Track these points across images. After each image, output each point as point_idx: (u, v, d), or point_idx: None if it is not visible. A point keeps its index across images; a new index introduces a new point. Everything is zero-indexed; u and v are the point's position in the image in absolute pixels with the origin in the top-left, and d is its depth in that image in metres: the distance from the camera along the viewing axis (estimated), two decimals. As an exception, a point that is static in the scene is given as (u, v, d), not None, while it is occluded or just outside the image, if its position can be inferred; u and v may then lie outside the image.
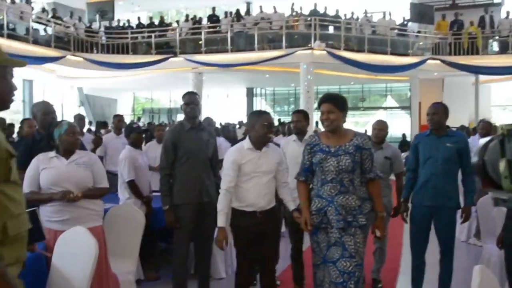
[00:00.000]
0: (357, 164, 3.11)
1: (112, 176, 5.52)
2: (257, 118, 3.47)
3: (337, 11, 17.63)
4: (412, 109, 18.94)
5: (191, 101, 3.99)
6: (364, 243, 3.15)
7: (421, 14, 16.93)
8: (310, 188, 3.29)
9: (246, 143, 3.48)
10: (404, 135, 18.09)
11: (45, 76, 17.64)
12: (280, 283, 4.64)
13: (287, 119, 18.10)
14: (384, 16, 17.55)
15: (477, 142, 6.59)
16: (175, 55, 16.53)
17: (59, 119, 3.84)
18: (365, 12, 17.78)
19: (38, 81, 18.61)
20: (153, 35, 17.30)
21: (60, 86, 20.42)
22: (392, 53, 16.19)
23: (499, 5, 18.96)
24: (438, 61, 16.25)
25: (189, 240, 4.00)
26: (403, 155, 7.27)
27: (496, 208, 4.15)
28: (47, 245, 3.02)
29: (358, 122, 22.91)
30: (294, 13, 17.64)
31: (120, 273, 3.53)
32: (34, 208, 2.01)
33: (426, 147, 3.94)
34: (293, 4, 17.99)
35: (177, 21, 19.43)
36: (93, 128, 13.62)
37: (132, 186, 4.64)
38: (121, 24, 19.40)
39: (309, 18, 16.19)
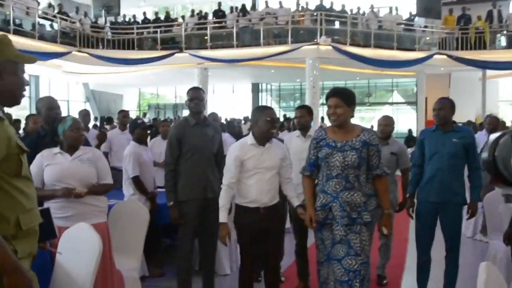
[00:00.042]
0: (363, 160, 3.07)
1: (117, 172, 5.52)
2: (260, 113, 3.44)
3: (343, 6, 17.54)
4: (418, 104, 18.84)
5: (195, 96, 3.97)
6: (370, 241, 3.12)
7: (428, 8, 16.79)
8: (315, 183, 3.26)
9: (249, 138, 3.47)
10: (410, 131, 17.99)
11: (51, 72, 17.70)
12: (285, 279, 4.63)
13: (292, 114, 18.03)
14: (390, 11, 17.44)
15: (484, 137, 6.56)
16: (180, 50, 16.52)
17: (65, 114, 3.83)
18: (372, 7, 17.67)
19: (44, 77, 18.66)
20: (158, 30, 17.29)
21: (66, 82, 20.47)
22: (399, 48, 16.09)
23: (507, -1, 18.80)
24: (445, 56, 16.13)
25: (194, 236, 3.99)
26: (409, 150, 7.22)
27: (503, 204, 4.13)
28: (52, 242, 3.02)
29: (364, 118, 22.82)
30: (300, 8, 17.56)
31: (125, 269, 3.52)
32: (47, 207, 2.03)
33: (432, 142, 3.90)
34: (298, -1, 17.94)
35: (183, 17, 19.41)
36: (98, 124, 13.66)
37: (137, 182, 4.64)
38: (126, 19, 19.41)
39: (315, 13, 16.12)
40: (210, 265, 4.10)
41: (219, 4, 18.56)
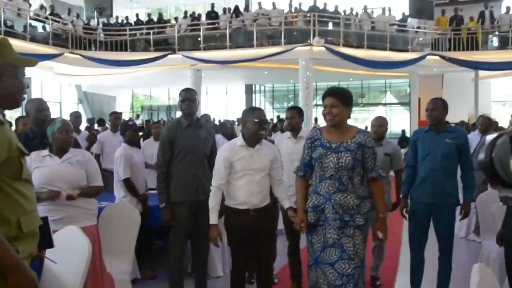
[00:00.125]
0: (357, 162, 3.03)
1: (109, 174, 5.49)
2: (249, 114, 3.42)
3: (336, 7, 17.57)
4: (411, 105, 18.92)
5: (187, 97, 3.94)
6: (364, 244, 3.08)
7: (420, 9, 16.86)
8: (309, 184, 3.22)
9: (239, 140, 3.44)
10: (403, 131, 18.04)
11: (43, 74, 17.59)
12: (278, 281, 4.60)
13: (286, 115, 18.03)
14: (383, 12, 17.48)
15: (477, 137, 6.57)
16: (173, 52, 16.49)
17: (58, 116, 3.78)
18: (365, 8, 17.71)
19: (36, 79, 18.54)
20: (151, 32, 17.24)
21: (59, 84, 20.36)
22: (392, 49, 16.15)
23: (499, 0, 18.88)
24: (438, 57, 16.20)
25: (186, 238, 3.96)
26: (403, 151, 7.22)
27: (496, 205, 4.12)
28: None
29: (357, 119, 22.84)
30: (293, 9, 17.57)
31: (115, 272, 3.49)
32: (45, 216, 2.03)
33: (425, 143, 3.89)
34: (291, 0, 17.92)
35: (176, 18, 19.37)
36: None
37: (128, 184, 4.60)
38: (119, 21, 19.35)
39: (308, 14, 16.15)
40: (202, 267, 4.07)
41: (212, 5, 18.55)
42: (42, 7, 17.68)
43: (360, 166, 3.06)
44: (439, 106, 3.85)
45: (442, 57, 16.14)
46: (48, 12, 17.09)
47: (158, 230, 4.88)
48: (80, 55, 16.50)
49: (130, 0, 21.78)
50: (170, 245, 4.02)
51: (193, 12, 18.84)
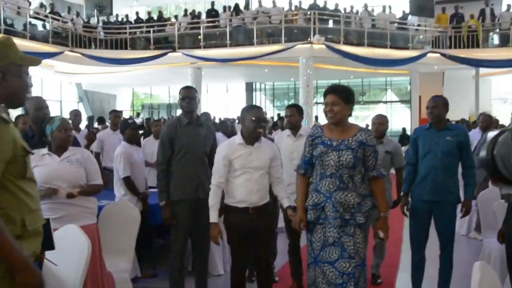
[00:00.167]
0: (358, 160, 3.00)
1: (109, 173, 5.48)
2: (247, 112, 3.41)
3: (336, 4, 17.53)
4: (412, 102, 18.87)
5: (187, 95, 3.93)
6: (365, 242, 3.05)
7: (421, 7, 16.82)
8: (309, 182, 3.19)
9: (238, 138, 3.44)
10: (404, 129, 18.02)
11: (43, 72, 17.57)
12: (279, 279, 4.60)
13: (287, 113, 18.01)
14: (384, 10, 17.45)
15: (478, 135, 6.56)
16: (174, 50, 16.46)
17: (58, 115, 3.77)
18: (365, 6, 17.68)
19: (37, 77, 18.53)
20: (151, 30, 17.21)
21: (59, 82, 20.34)
22: (392, 47, 16.11)
23: (499, -3, 18.87)
24: (438, 55, 16.17)
25: (186, 236, 3.95)
26: (403, 149, 7.22)
27: (497, 202, 4.11)
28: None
29: (358, 116, 22.81)
30: (293, 7, 17.54)
31: (116, 271, 3.48)
32: (47, 218, 2.04)
33: (426, 141, 3.88)
34: (292, -2, 17.91)
35: (176, 16, 19.33)
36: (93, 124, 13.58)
37: (128, 182, 4.59)
38: (119, 19, 19.32)
39: (308, 12, 16.10)
40: (203, 266, 4.07)
41: (212, 3, 18.51)
42: (42, 5, 17.65)
43: (361, 164, 3.04)
44: (439, 104, 3.84)
45: (443, 54, 16.11)
46: (48, 11, 17.06)
47: (159, 229, 4.88)
48: (80, 53, 16.47)
49: (130, -2, 21.77)
50: (171, 244, 4.02)
51: (193, 10, 18.80)
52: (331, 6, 17.40)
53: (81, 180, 3.22)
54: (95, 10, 17.95)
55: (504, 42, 16.31)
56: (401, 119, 20.48)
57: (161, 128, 5.63)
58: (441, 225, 3.84)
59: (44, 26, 16.05)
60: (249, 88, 23.93)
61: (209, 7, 18.50)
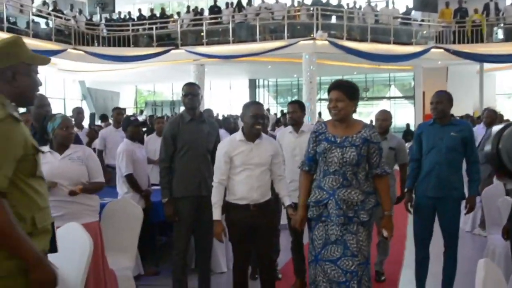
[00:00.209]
0: (362, 157, 2.95)
1: (112, 170, 5.48)
2: (246, 109, 3.39)
3: (339, 0, 17.46)
4: (416, 98, 18.82)
5: (190, 92, 3.91)
6: (368, 241, 3.01)
7: (424, 2, 16.75)
8: (313, 179, 3.14)
9: (238, 134, 3.41)
10: (408, 125, 17.96)
11: (46, 70, 17.59)
12: (282, 277, 4.59)
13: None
14: (387, 5, 17.39)
15: (482, 131, 6.52)
16: (176, 47, 16.45)
17: (59, 112, 3.76)
18: (368, 1, 17.60)
19: (40, 75, 18.51)
20: (154, 27, 17.21)
21: (62, 80, 20.37)
22: (395, 42, 16.06)
23: (504, -9, 18.74)
24: (442, 50, 16.11)
25: (189, 233, 3.94)
26: (407, 145, 7.18)
27: (501, 198, 4.09)
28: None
29: (361, 112, 22.76)
30: (296, 3, 17.48)
31: (118, 268, 3.47)
32: (52, 221, 2.05)
33: (430, 136, 3.84)
34: (294, -6, 17.85)
35: (178, 13, 19.31)
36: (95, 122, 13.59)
37: (130, 180, 4.58)
38: (122, 16, 19.30)
39: (311, 8, 16.06)
40: (206, 263, 4.06)
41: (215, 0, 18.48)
42: (44, 3, 17.66)
43: (365, 161, 2.99)
44: (444, 99, 3.80)
45: (447, 50, 16.04)
46: (50, 8, 17.07)
47: (161, 226, 4.87)
48: (83, 51, 16.49)
49: (132, -5, 21.76)
50: (173, 241, 4.01)
51: (196, 7, 18.79)
52: (334, 2, 17.34)
53: (83, 178, 3.21)
54: (98, 8, 17.96)
55: (508, 37, 16.22)
56: (405, 115, 20.42)
57: (164, 125, 5.62)
58: (445, 222, 3.81)
59: (47, 23, 16.08)
60: (252, 85, 23.92)
61: (212, 3, 18.45)
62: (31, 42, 14.22)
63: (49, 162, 3.15)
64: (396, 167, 4.57)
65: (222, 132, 6.29)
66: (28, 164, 1.83)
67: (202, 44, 16.43)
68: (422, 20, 17.14)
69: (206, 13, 18.24)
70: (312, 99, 15.58)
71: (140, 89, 26.82)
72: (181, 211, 3.83)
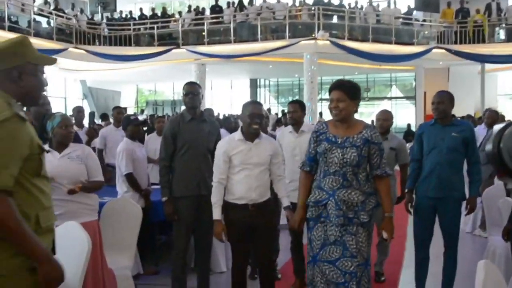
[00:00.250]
0: (363, 158, 2.92)
1: (113, 169, 5.47)
2: (244, 108, 3.39)
3: (340, 0, 17.44)
4: (417, 99, 18.79)
5: (190, 91, 3.91)
6: (368, 242, 2.97)
7: (426, 2, 16.72)
8: (313, 180, 3.11)
9: (238, 134, 3.40)
10: (409, 125, 17.94)
11: (47, 69, 17.48)
12: (282, 276, 4.58)
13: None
14: (388, 5, 17.36)
15: (483, 131, 6.51)
16: (177, 46, 16.45)
17: (59, 111, 3.75)
18: (370, 1, 17.58)
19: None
20: (155, 26, 17.21)
21: (63, 79, 20.37)
22: (397, 43, 16.04)
23: (506, -8, 18.70)
24: (444, 50, 16.08)
25: (188, 233, 3.93)
26: (408, 145, 7.17)
27: (502, 199, 4.07)
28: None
29: (363, 113, 22.74)
30: (297, 3, 17.46)
31: (117, 268, 3.47)
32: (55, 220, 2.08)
33: (431, 137, 3.83)
34: (296, -7, 17.83)
35: (180, 12, 19.30)
36: (96, 121, 13.58)
37: (130, 179, 4.57)
38: (123, 15, 19.29)
39: (312, 8, 16.05)
40: (205, 263, 4.05)
41: (216, -1, 18.49)
42: (46, 2, 17.66)
43: (366, 162, 2.96)
44: (445, 99, 3.78)
45: (448, 50, 16.01)
46: (52, 7, 17.07)
47: (161, 225, 4.86)
48: (84, 50, 16.49)
49: (133, -6, 21.75)
50: (173, 240, 4.00)
51: (197, 6, 18.79)
52: (335, 2, 17.33)
53: (82, 177, 3.20)
54: (99, 7, 17.97)
55: (510, 37, 16.21)
56: (406, 115, 20.38)
57: (164, 125, 5.61)
58: (446, 222, 3.79)
59: (48, 23, 16.07)
60: (253, 85, 23.90)
61: (213, 3, 18.45)
62: (32, 41, 13.77)
63: (48, 161, 3.09)
64: (397, 167, 4.56)
65: (222, 131, 6.27)
66: (34, 163, 1.85)
67: (203, 44, 16.43)
68: (424, 20, 17.12)
69: (208, 12, 18.23)
70: (313, 99, 15.56)
71: (141, 89, 26.81)
72: (181, 210, 3.82)
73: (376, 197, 3.01)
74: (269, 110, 19.02)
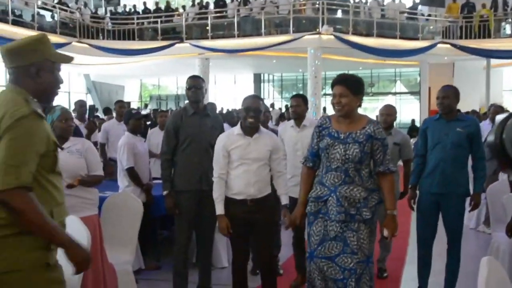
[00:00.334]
0: (366, 155, 2.87)
1: (115, 163, 5.45)
2: (242, 102, 3.36)
3: (345, -6, 17.33)
4: (421, 94, 18.70)
5: (193, 85, 3.88)
6: (370, 238, 2.91)
7: (431, -4, 16.61)
8: (315, 175, 3.06)
9: (237, 128, 3.38)
10: (413, 121, 17.86)
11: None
12: (283, 272, 4.56)
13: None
14: (393, 0, 17.23)
15: (488, 126, 6.45)
16: (181, 40, 16.40)
17: (59, 104, 3.72)
18: (374, -4, 17.47)
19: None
20: (159, 20, 17.16)
21: (67, 73, 20.36)
22: (402, 37, 15.94)
23: (512, -14, 18.53)
24: (449, 45, 15.97)
25: (190, 228, 3.91)
26: (412, 141, 7.13)
27: (506, 195, 4.03)
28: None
29: (367, 108, 22.64)
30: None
31: (117, 263, 3.45)
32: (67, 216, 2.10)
33: (435, 132, 3.78)
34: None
35: (184, 6, 19.25)
36: (100, 115, 13.60)
37: (131, 173, 4.55)
38: (127, 9, 19.26)
39: (317, 2, 15.95)
40: (207, 258, 4.03)
41: (220, -7, 18.39)
42: (50, -5, 17.66)
43: (369, 158, 2.91)
44: (450, 94, 3.73)
45: (453, 45, 15.90)
46: (55, 1, 17.05)
47: (163, 220, 4.84)
48: (88, 44, 16.47)
49: (137, -12, 21.68)
50: (175, 235, 3.98)
51: (201, 1, 18.68)
52: (339, -4, 17.22)
53: (81, 171, 3.19)
54: (103, 1, 17.97)
55: (516, 32, 16.07)
56: (410, 111, 20.31)
57: (166, 119, 5.58)
58: (449, 218, 3.75)
59: (52, 16, 16.06)
60: (257, 79, 23.84)
61: (217, -3, 18.38)
62: None
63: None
64: (400, 162, 4.52)
65: (225, 126, 6.25)
66: (49, 160, 1.89)
67: (207, 38, 16.38)
68: (429, 15, 17.01)
69: (211, 6, 18.16)
70: (317, 94, 15.51)
71: (145, 83, 26.80)
72: (182, 205, 3.80)
73: (379, 194, 2.95)
74: (272, 105, 18.98)
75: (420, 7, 17.42)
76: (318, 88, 15.67)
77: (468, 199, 3.82)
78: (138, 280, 4.01)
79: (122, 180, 4.64)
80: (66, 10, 16.64)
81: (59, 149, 3.14)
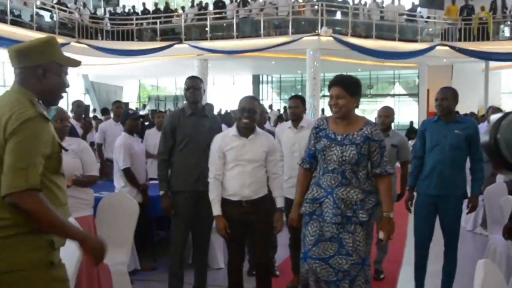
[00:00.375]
0: (363, 156, 2.84)
1: (112, 164, 5.43)
2: (238, 103, 3.36)
3: (344, -4, 17.35)
4: (420, 96, 18.70)
5: (192, 85, 3.88)
6: (367, 241, 2.88)
7: (430, -1, 16.62)
8: (312, 177, 3.04)
9: (233, 129, 3.37)
10: (411, 123, 17.86)
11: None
12: (280, 273, 4.54)
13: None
14: (392, 2, 17.25)
15: (487, 129, 6.44)
16: (180, 41, 16.39)
17: (63, 106, 3.72)
18: (374, -3, 17.48)
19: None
20: (158, 21, 17.16)
21: (66, 73, 20.34)
22: (401, 39, 15.95)
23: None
24: (447, 47, 15.98)
25: (186, 228, 3.89)
26: (410, 143, 7.12)
27: (504, 197, 4.02)
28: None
29: (365, 110, 22.64)
30: (300, -1, 17.39)
31: (112, 263, 3.42)
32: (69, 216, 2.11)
33: (434, 133, 3.77)
34: (299, -11, 17.73)
35: (183, 7, 19.24)
36: (98, 116, 13.58)
37: (128, 174, 4.53)
38: (126, 10, 19.24)
39: (316, 4, 15.95)
40: (203, 259, 4.02)
41: (219, -6, 18.38)
42: (49, -4, 17.65)
43: (366, 160, 2.88)
44: (449, 96, 3.73)
45: (452, 47, 15.91)
46: (54, 1, 17.04)
47: (159, 221, 4.83)
48: (86, 44, 16.45)
49: (137, -11, 21.67)
50: (171, 236, 3.97)
51: (200, 2, 18.68)
52: (339, -2, 17.24)
53: (76, 171, 3.17)
54: (102, 1, 17.95)
55: (515, 35, 16.08)
56: (409, 113, 20.31)
57: (164, 120, 5.57)
58: (447, 220, 3.74)
59: (51, 17, 16.04)
60: (256, 81, 23.83)
61: (216, -2, 18.38)
62: (34, 35, 14.16)
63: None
64: (398, 164, 4.51)
65: (222, 127, 6.24)
66: (54, 161, 1.91)
67: (206, 39, 16.37)
68: (428, 17, 17.02)
69: (211, 7, 18.16)
70: (316, 96, 15.51)
71: (144, 84, 26.78)
72: (179, 205, 3.79)
73: (377, 196, 2.93)
74: (271, 106, 18.97)
75: (419, 9, 17.44)
76: (317, 89, 15.67)
77: (465, 201, 3.81)
78: (133, 280, 4.00)
79: (119, 181, 4.62)
80: (65, 11, 16.63)
81: None
